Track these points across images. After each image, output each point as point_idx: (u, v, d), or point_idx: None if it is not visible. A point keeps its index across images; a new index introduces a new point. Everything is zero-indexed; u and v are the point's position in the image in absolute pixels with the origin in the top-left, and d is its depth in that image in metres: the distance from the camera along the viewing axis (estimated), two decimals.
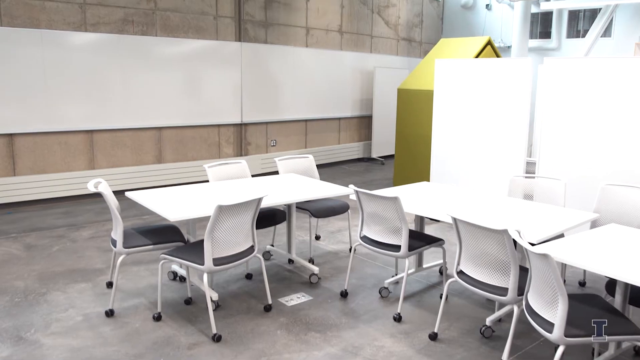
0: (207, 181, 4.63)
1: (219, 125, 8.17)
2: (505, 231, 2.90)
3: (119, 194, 7.36)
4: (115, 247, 3.60)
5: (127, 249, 3.58)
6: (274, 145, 8.97)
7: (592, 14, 9.87)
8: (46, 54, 6.41)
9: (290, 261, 4.73)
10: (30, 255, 4.81)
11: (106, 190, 3.67)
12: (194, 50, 7.67)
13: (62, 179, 6.69)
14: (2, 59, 6.13)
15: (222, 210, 3.20)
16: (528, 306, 2.85)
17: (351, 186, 3.85)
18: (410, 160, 7.81)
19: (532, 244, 2.89)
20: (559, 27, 10.19)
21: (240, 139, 8.48)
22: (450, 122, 6.14)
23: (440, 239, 3.92)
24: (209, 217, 3.22)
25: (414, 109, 7.67)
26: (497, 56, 7.91)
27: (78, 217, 6.15)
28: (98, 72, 6.83)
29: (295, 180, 4.66)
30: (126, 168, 7.22)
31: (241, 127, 8.46)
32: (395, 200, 3.55)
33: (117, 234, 3.59)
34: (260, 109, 8.67)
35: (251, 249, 3.56)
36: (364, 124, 10.54)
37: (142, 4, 7.13)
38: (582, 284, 4.36)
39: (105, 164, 7.09)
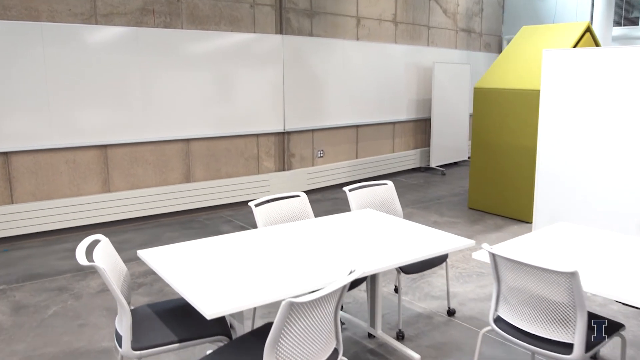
0: (248, 216, 3.31)
1: (257, 135, 6.87)
2: None
3: (139, 220, 6.13)
4: (120, 346, 2.31)
5: (138, 352, 2.28)
6: (321, 157, 7.64)
7: None
8: (48, 52, 5.19)
9: (371, 335, 3.38)
10: (16, 323, 3.56)
11: (104, 258, 2.38)
12: (227, 45, 6.38)
13: (70, 206, 5.47)
14: None
15: (293, 309, 1.86)
16: None
17: (485, 245, 2.48)
18: (494, 176, 6.38)
19: None
20: None
21: (282, 150, 7.16)
22: (564, 132, 4.70)
23: (621, 325, 2.52)
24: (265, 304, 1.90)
25: (499, 113, 6.23)
26: (597, 45, 6.42)
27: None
28: (112, 74, 5.59)
29: (377, 223, 3.30)
30: (148, 190, 5.97)
31: (283, 136, 7.15)
32: (571, 277, 2.17)
33: (123, 328, 2.29)
34: (306, 114, 7.34)
35: (334, 354, 2.22)
36: (420, 128, 9.13)
37: None
38: None
39: (123, 186, 5.85)
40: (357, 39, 7.87)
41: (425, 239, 2.95)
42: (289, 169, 7.27)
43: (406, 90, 8.70)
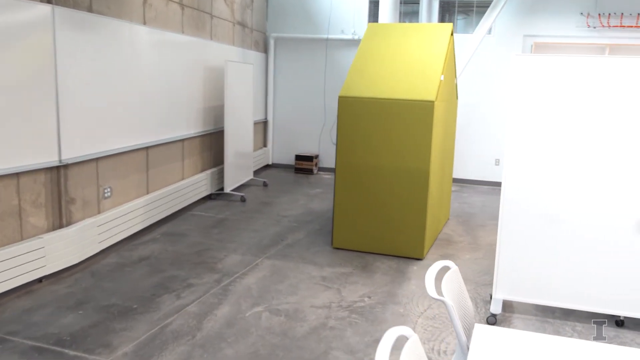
0: None
1: (17, 174, 3.97)
2: None
3: None
4: None
5: None
6: (108, 197, 5.04)
7: (464, 8, 8.53)
8: None
9: None
10: None
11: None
12: None
13: None
14: None
15: None
16: None
17: None
18: (370, 207, 5.08)
19: None
20: (429, 19, 8.51)
21: (57, 194, 4.37)
22: (538, 154, 3.71)
23: None
24: None
25: (377, 128, 4.95)
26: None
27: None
28: None
29: None
30: None
31: (59, 172, 4.36)
32: None
33: None
34: (89, 135, 4.67)
35: None
36: (207, 144, 7.16)
37: None
38: None
39: None
40: (145, 22, 5.48)
41: None
42: (69, 223, 4.51)
43: (194, 96, 6.63)
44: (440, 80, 4.91)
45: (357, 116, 4.99)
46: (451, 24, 5.39)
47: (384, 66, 5.13)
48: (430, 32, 5.33)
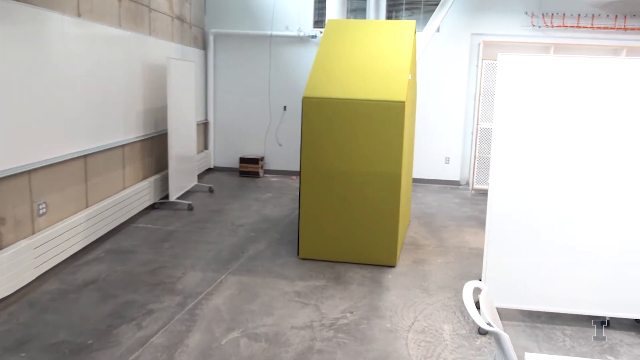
0: None
1: None
2: None
3: None
4: None
5: None
6: (43, 214, 4.41)
7: (410, 6, 8.37)
8: None
9: None
10: None
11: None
12: None
13: None
14: None
15: None
16: None
17: None
18: (339, 215, 4.76)
19: None
20: (376, 17, 8.26)
21: None
22: (525, 158, 3.52)
23: None
24: None
25: (345, 131, 4.63)
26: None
27: None
28: None
29: None
30: None
31: None
32: None
33: None
34: (20, 144, 4.04)
35: None
36: (147, 149, 6.57)
37: None
38: None
39: None
40: (79, 15, 4.85)
41: None
42: (0, 247, 3.87)
43: (134, 96, 6.04)
44: (408, 80, 4.67)
45: (323, 118, 4.64)
46: (414, 22, 5.16)
47: (349, 65, 4.82)
48: (393, 29, 5.08)
